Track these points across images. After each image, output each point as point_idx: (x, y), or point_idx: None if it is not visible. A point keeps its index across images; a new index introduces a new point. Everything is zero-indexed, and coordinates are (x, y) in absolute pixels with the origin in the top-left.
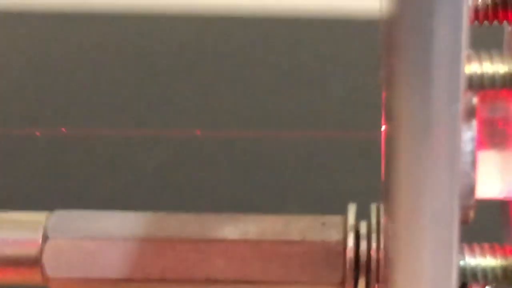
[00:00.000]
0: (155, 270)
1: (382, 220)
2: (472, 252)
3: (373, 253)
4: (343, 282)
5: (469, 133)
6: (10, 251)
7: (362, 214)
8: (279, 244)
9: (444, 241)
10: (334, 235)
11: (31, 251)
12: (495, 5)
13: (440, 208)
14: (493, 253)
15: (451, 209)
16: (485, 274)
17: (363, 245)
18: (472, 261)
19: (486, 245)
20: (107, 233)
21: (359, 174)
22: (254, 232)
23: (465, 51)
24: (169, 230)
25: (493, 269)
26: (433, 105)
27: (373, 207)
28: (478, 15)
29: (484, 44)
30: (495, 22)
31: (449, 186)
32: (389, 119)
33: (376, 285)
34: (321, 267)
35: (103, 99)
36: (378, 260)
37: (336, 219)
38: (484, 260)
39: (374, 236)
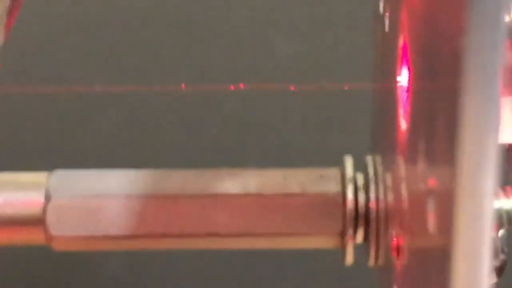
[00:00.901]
0: (158, 226)
1: (380, 171)
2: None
3: (372, 204)
4: (342, 233)
5: None
6: (13, 211)
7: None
8: (280, 197)
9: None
10: (332, 187)
11: (34, 211)
12: None
13: None
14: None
15: None
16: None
17: (362, 196)
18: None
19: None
20: (109, 191)
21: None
22: (254, 186)
23: None
24: (170, 186)
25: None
26: None
27: (369, 159)
28: None
29: None
30: None
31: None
32: None
33: (375, 236)
34: (321, 218)
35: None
36: (377, 211)
37: (334, 171)
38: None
39: (372, 187)
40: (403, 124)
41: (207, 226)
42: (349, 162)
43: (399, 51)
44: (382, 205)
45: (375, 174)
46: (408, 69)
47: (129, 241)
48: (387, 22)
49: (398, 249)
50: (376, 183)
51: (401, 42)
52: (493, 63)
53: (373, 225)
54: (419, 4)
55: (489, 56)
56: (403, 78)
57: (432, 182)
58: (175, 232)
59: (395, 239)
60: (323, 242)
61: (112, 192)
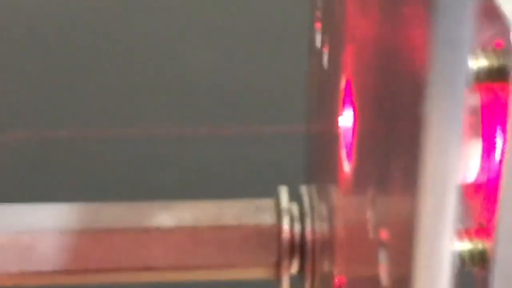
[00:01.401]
0: (92, 261)
1: (315, 202)
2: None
3: (307, 235)
4: (278, 264)
5: None
6: None
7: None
8: (215, 230)
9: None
10: (268, 219)
11: None
12: None
13: None
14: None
15: None
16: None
17: (297, 227)
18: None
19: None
20: (42, 226)
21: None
22: (190, 218)
23: None
24: (104, 220)
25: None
26: None
27: (304, 189)
28: None
29: None
30: None
31: None
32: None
33: (310, 266)
34: (257, 250)
35: None
36: (313, 242)
37: (268, 202)
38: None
39: (308, 219)
40: (346, 166)
41: (142, 260)
42: (284, 193)
43: (341, 92)
44: (317, 236)
45: (311, 205)
46: (353, 110)
47: (64, 277)
48: (325, 58)
49: None
50: (312, 215)
51: (343, 83)
52: (455, 105)
53: (308, 255)
54: (370, 49)
55: (451, 99)
56: (345, 119)
57: (383, 233)
58: (111, 267)
59: (337, 279)
60: (259, 273)
61: (45, 228)
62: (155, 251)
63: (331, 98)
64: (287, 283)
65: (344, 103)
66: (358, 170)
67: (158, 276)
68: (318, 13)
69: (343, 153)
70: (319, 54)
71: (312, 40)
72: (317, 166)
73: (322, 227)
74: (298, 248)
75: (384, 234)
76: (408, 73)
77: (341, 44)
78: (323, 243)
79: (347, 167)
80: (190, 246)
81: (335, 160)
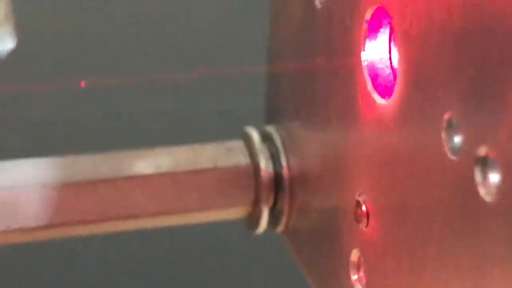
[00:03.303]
0: (75, 214)
1: (287, 140)
2: None
3: (284, 171)
4: (256, 203)
5: None
6: None
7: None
8: (193, 174)
9: None
10: (242, 159)
11: None
12: None
13: None
14: None
15: None
16: None
17: (271, 165)
18: None
19: None
20: (22, 182)
21: None
22: (167, 165)
23: None
24: (84, 172)
25: None
26: None
27: (271, 128)
28: None
29: None
30: None
31: None
32: None
33: (288, 202)
34: (235, 190)
35: None
36: (289, 178)
37: (238, 143)
38: None
39: (282, 156)
40: (379, 98)
41: (125, 208)
42: (254, 134)
43: (364, 24)
44: (293, 172)
45: (283, 143)
46: (396, 39)
47: (48, 231)
48: None
49: (367, 215)
50: (286, 152)
51: (369, 13)
52: None
53: (286, 192)
54: None
55: None
56: (373, 51)
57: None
58: (94, 218)
59: (363, 206)
60: (239, 213)
61: (26, 183)
62: (137, 199)
63: (339, 34)
64: (265, 221)
65: (370, 34)
66: (411, 98)
67: (141, 223)
68: None
69: (368, 86)
70: None
71: None
72: (291, 105)
73: (303, 163)
74: (275, 186)
75: (484, 151)
76: None
77: None
78: (309, 178)
79: (379, 99)
80: (170, 191)
81: (350, 95)
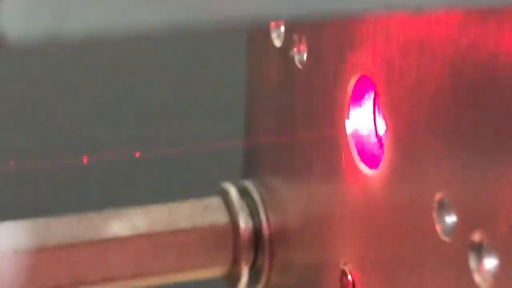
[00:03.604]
0: (49, 279)
1: (265, 196)
2: None
3: (264, 228)
4: (235, 261)
5: None
6: None
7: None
8: (171, 234)
9: None
10: (220, 217)
11: None
12: None
13: None
14: None
15: None
16: None
17: (251, 222)
18: None
19: None
20: None
21: None
22: (144, 225)
23: None
24: (58, 235)
25: None
26: None
27: (249, 184)
28: None
29: None
30: None
31: None
32: None
33: (268, 260)
34: (214, 250)
35: None
36: (269, 234)
37: (216, 200)
38: None
39: (262, 212)
40: (365, 168)
41: (101, 271)
42: (232, 190)
43: (348, 91)
44: (273, 229)
45: (262, 198)
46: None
47: None
48: (298, 58)
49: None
50: (265, 208)
51: (352, 82)
52: None
53: (266, 250)
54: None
55: None
56: (357, 120)
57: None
58: (69, 282)
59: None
60: (218, 272)
61: None
62: (114, 261)
63: (321, 99)
64: (245, 280)
65: (354, 101)
66: (400, 172)
67: (118, 286)
68: None
69: (354, 155)
70: (284, 54)
71: (263, 40)
72: (270, 161)
73: (284, 220)
74: (255, 243)
75: (479, 236)
76: None
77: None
78: (291, 236)
79: (365, 169)
80: (148, 252)
81: (333, 161)
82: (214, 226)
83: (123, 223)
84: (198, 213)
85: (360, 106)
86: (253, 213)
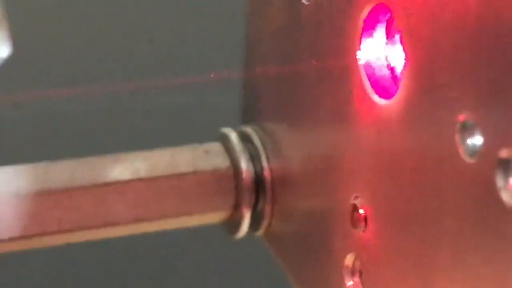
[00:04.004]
0: (51, 223)
1: (266, 141)
2: None
3: (265, 173)
4: (237, 207)
5: None
6: None
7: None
8: (172, 178)
9: None
10: (221, 162)
11: None
12: None
13: None
14: None
15: None
16: None
17: (253, 167)
18: None
19: None
20: None
21: None
22: (145, 169)
23: None
24: (60, 180)
25: None
26: None
27: (249, 129)
28: None
29: None
30: None
31: None
32: None
33: (270, 205)
34: (215, 194)
35: None
36: (271, 179)
37: (216, 145)
38: None
39: (263, 157)
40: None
41: (102, 216)
42: (232, 134)
43: (360, 22)
44: (275, 174)
45: (262, 143)
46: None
47: (22, 242)
48: None
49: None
50: (266, 153)
51: (365, 11)
52: None
53: (268, 194)
54: None
55: None
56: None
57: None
58: (70, 227)
59: (360, 210)
60: (219, 217)
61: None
62: (115, 206)
63: (329, 33)
64: (246, 225)
65: (366, 32)
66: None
67: (118, 231)
68: None
69: (366, 87)
70: None
71: None
72: (271, 105)
73: (287, 163)
74: (256, 187)
75: (506, 153)
76: None
77: None
78: (294, 178)
79: (379, 100)
80: (149, 197)
81: (343, 96)
82: (215, 170)
83: (124, 167)
84: (199, 157)
85: (372, 36)
86: (254, 158)
